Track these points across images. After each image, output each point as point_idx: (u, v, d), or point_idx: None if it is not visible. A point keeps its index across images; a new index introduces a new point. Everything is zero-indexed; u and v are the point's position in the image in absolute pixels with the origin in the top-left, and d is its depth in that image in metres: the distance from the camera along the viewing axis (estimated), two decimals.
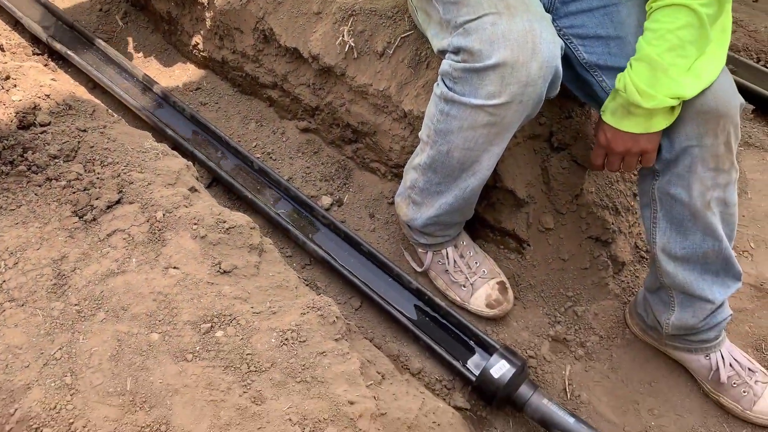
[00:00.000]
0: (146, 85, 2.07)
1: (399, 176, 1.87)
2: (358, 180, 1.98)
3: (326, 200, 1.93)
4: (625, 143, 1.34)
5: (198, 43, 2.16)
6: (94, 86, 2.18)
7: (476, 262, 1.67)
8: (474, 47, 1.24)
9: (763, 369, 1.62)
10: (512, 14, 1.23)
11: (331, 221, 1.79)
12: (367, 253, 1.73)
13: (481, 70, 1.25)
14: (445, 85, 1.34)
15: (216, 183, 1.94)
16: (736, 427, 1.60)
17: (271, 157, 2.03)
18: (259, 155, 2.02)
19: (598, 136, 1.39)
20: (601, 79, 1.40)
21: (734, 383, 1.58)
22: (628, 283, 1.78)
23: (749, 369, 1.60)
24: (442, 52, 1.36)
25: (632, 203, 1.80)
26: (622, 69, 1.33)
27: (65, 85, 2.00)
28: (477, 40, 1.24)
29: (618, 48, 1.37)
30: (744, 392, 1.58)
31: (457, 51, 1.28)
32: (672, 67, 1.21)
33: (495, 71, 1.24)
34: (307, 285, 1.67)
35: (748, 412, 1.58)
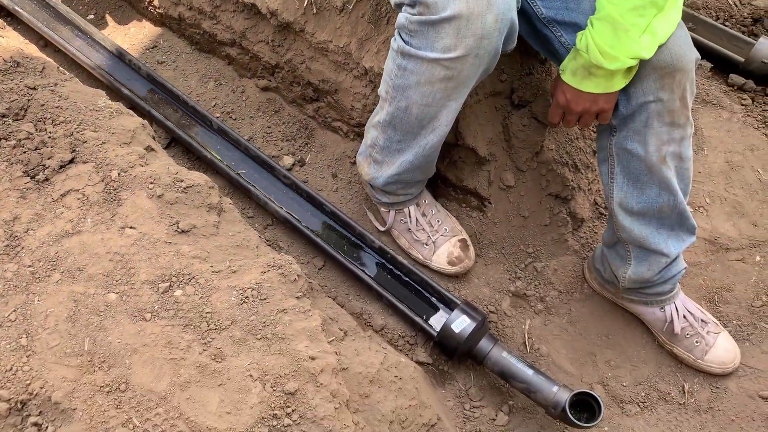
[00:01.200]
0: (100, 43, 2.00)
1: (361, 135, 1.85)
2: (320, 139, 1.96)
3: (288, 160, 1.92)
4: (583, 103, 1.35)
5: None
6: (45, 44, 2.11)
7: (438, 221, 1.68)
8: None
9: (715, 320, 1.68)
10: None
11: (293, 181, 1.77)
12: (329, 213, 1.73)
13: (437, 23, 1.24)
14: (402, 39, 1.33)
15: (174, 143, 1.90)
16: (689, 375, 1.66)
17: (231, 117, 2.00)
18: (218, 115, 1.98)
19: (557, 95, 1.40)
20: (559, 34, 1.40)
21: (687, 334, 1.63)
22: (586, 239, 1.81)
23: (702, 320, 1.65)
24: (399, 6, 1.34)
25: (591, 160, 1.82)
26: (579, 24, 1.33)
27: (13, 42, 1.92)
28: None
29: (575, 3, 1.37)
30: (696, 342, 1.63)
31: (413, 4, 1.27)
32: (633, 27, 1.22)
33: (450, 24, 1.23)
34: (269, 245, 1.67)
35: (700, 361, 1.64)
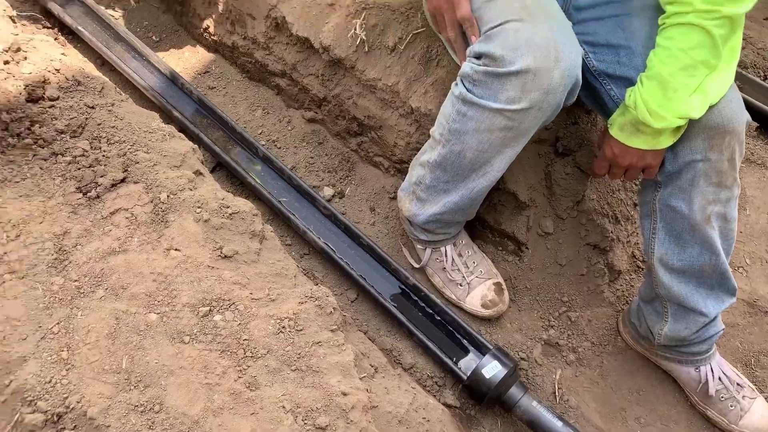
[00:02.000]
0: (155, 65, 2.06)
1: (402, 171, 1.88)
2: (361, 173, 1.99)
3: (328, 191, 1.94)
4: (630, 158, 1.35)
5: (209, 27, 2.16)
6: (102, 63, 2.18)
7: (474, 262, 1.68)
8: (496, 53, 1.24)
9: (751, 385, 1.64)
10: (535, 22, 1.23)
11: (332, 212, 1.79)
12: (366, 247, 1.74)
13: (503, 75, 1.25)
14: (465, 87, 1.34)
15: (220, 167, 1.94)
16: None
17: (275, 145, 2.03)
18: (264, 143, 2.02)
19: (604, 148, 1.40)
20: (609, 87, 1.41)
21: (722, 397, 1.60)
22: (622, 291, 1.79)
23: (738, 384, 1.62)
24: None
25: (632, 212, 1.81)
26: (630, 79, 1.34)
27: (75, 60, 1.99)
28: (499, 46, 1.24)
29: (627, 58, 1.38)
30: (731, 406, 1.60)
31: (478, 56, 1.28)
32: (683, 87, 1.22)
33: (517, 77, 1.24)
34: (305, 274, 1.68)
35: (734, 426, 1.60)
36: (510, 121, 1.30)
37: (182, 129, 1.88)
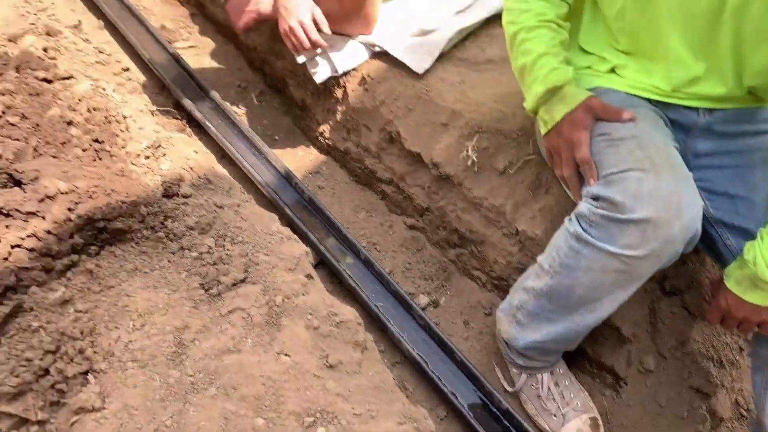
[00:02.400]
0: (272, 163, 2.20)
1: (500, 288, 1.89)
2: (457, 284, 2.01)
3: (423, 299, 1.97)
4: (745, 312, 1.32)
5: (325, 132, 2.29)
6: (222, 155, 2.33)
7: (570, 393, 1.65)
8: (617, 199, 1.25)
9: None
10: (658, 173, 1.24)
11: (427, 323, 1.81)
12: (459, 363, 1.74)
13: (623, 222, 1.25)
14: (580, 226, 1.34)
15: (321, 265, 2.01)
16: None
17: (375, 248, 2.10)
18: (364, 244, 2.09)
19: (719, 299, 1.38)
20: (726, 236, 1.40)
21: None
22: None
23: None
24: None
25: (737, 357, 1.75)
26: (747, 230, 1.33)
27: (206, 158, 2.15)
28: (620, 192, 1.25)
29: (746, 209, 1.37)
30: None
31: (596, 198, 1.30)
32: None
33: (637, 226, 1.24)
34: (397, 385, 1.69)
35: None
36: (625, 266, 1.30)
37: (291, 225, 1.98)
